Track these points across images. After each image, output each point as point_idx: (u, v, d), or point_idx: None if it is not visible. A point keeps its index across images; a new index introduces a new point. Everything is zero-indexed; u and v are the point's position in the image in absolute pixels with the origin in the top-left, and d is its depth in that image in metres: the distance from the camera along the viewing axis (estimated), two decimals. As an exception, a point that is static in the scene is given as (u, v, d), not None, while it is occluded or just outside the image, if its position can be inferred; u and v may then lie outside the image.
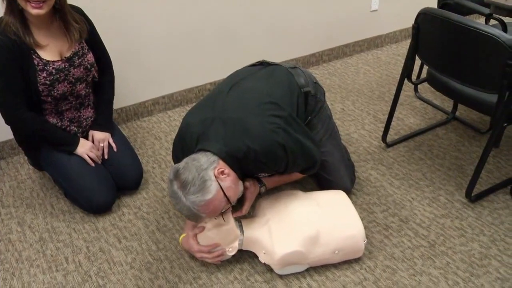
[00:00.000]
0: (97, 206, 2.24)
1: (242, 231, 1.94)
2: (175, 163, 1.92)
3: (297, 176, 2.13)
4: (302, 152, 1.92)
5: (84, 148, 2.25)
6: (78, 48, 2.18)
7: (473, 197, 2.31)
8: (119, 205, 2.34)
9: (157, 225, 2.23)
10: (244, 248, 1.97)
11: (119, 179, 2.33)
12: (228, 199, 1.78)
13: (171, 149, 2.12)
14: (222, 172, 1.76)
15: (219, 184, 1.74)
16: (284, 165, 1.90)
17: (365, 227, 2.16)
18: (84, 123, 2.32)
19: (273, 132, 1.83)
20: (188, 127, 1.91)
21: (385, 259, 2.03)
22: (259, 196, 2.13)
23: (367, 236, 2.12)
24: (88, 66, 2.21)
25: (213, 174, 1.73)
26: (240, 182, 1.87)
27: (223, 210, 1.81)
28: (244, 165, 1.84)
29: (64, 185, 2.27)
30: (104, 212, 2.29)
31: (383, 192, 2.38)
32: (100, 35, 2.31)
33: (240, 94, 1.96)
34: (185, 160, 1.77)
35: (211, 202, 1.72)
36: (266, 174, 1.99)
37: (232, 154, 1.80)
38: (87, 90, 2.27)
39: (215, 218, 1.91)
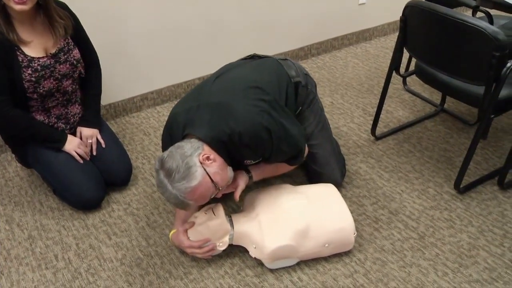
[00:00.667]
0: (86, 202, 2.23)
1: (232, 225, 1.94)
2: None
3: (284, 168, 2.12)
4: (286, 136, 1.90)
5: (72, 144, 2.24)
6: (64, 44, 2.16)
7: (462, 189, 2.32)
8: (108, 201, 2.33)
9: (147, 221, 2.22)
10: (234, 243, 1.97)
11: (108, 175, 2.32)
12: (215, 185, 1.77)
13: (161, 144, 2.12)
14: (208, 158, 1.75)
15: (204, 170, 1.73)
16: (269, 149, 1.88)
17: (355, 220, 2.17)
18: (72, 120, 2.31)
19: (258, 114, 1.82)
20: (175, 117, 1.91)
21: (375, 251, 2.04)
22: (247, 189, 2.12)
23: (357, 229, 2.13)
24: (74, 62, 2.20)
25: (198, 160, 1.72)
26: (229, 168, 1.86)
27: (212, 196, 1.80)
28: (231, 150, 1.83)
29: (52, 182, 2.26)
30: (93, 208, 2.28)
31: (372, 185, 2.39)
32: (86, 31, 2.29)
33: (225, 82, 1.96)
34: (169, 149, 1.77)
35: (198, 189, 1.71)
36: (252, 161, 1.98)
37: (217, 138, 1.79)
38: (73, 86, 2.26)
39: (205, 213, 1.91)
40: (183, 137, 1.84)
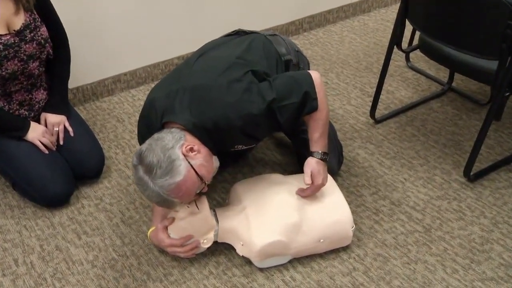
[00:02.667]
0: (52, 198, 2.21)
1: (216, 220, 1.94)
2: None
3: (321, 114, 1.95)
4: (287, 86, 1.86)
5: (35, 133, 2.22)
6: (30, 20, 2.13)
7: (472, 176, 2.33)
8: (77, 196, 2.32)
9: (122, 217, 2.22)
10: (219, 240, 1.97)
11: (77, 167, 2.30)
12: (201, 179, 1.76)
13: (136, 132, 2.10)
14: (191, 149, 1.74)
15: (189, 163, 1.72)
16: (269, 117, 1.84)
17: (353, 212, 2.17)
18: (36, 106, 2.29)
19: (245, 89, 1.81)
20: (152, 103, 1.89)
21: (376, 246, 2.05)
22: (233, 179, 2.10)
23: (355, 222, 2.13)
24: (42, 41, 2.17)
25: (181, 153, 1.72)
26: (215, 157, 1.85)
27: (198, 191, 1.80)
28: (216, 136, 1.82)
29: (12, 175, 2.24)
30: (60, 205, 2.26)
31: (372, 173, 2.39)
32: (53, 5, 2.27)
33: (207, 62, 1.95)
34: (147, 141, 1.76)
35: (183, 184, 1.71)
36: (244, 147, 1.97)
37: (200, 125, 1.78)
38: (40, 69, 2.23)
39: (188, 206, 1.91)
40: (162, 126, 1.83)
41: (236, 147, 1.96)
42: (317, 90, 1.89)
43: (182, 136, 1.75)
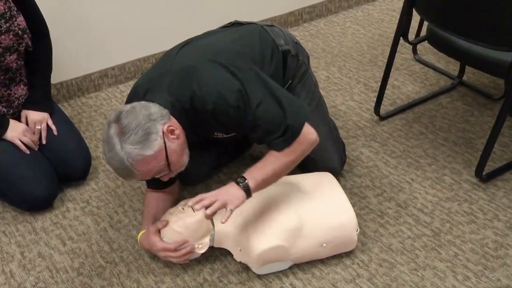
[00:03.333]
0: (34, 201, 2.21)
1: (212, 224, 1.94)
2: None
3: (282, 157, 1.90)
4: (268, 95, 1.84)
5: (15, 131, 2.21)
6: (5, 9, 2.12)
7: (485, 176, 2.33)
8: (62, 199, 2.31)
9: (110, 221, 2.21)
10: (215, 245, 1.96)
11: (61, 168, 2.30)
12: (168, 165, 1.78)
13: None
14: (172, 131, 1.78)
15: (164, 143, 1.74)
16: (238, 119, 1.83)
17: (357, 215, 2.16)
18: (16, 103, 2.28)
19: (227, 76, 1.82)
20: (136, 90, 1.94)
21: (381, 251, 2.04)
22: (229, 180, 2.09)
23: (359, 225, 2.13)
24: (19, 32, 2.16)
25: (161, 129, 1.74)
26: (187, 153, 1.88)
27: (158, 176, 1.82)
28: (194, 120, 1.85)
29: (-10, 177, 2.23)
30: (43, 208, 2.26)
31: (377, 173, 2.39)
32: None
33: (194, 48, 1.98)
34: (133, 103, 1.78)
35: (150, 160, 1.73)
36: (224, 135, 1.97)
37: (179, 105, 1.81)
38: (19, 62, 2.22)
39: (183, 208, 1.91)
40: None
41: (216, 134, 1.97)
42: (302, 139, 1.85)
43: (167, 115, 1.79)
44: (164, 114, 1.77)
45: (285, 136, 1.84)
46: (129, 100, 1.94)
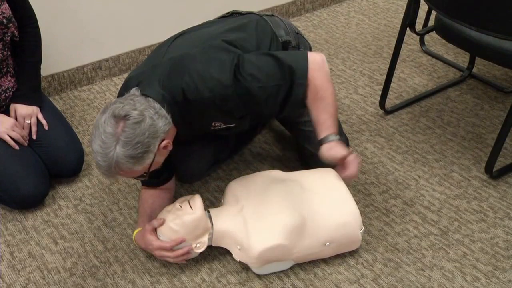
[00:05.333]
0: (24, 199, 2.21)
1: (211, 222, 1.94)
2: None
3: (321, 91, 1.92)
4: (266, 62, 1.87)
5: (3, 126, 2.21)
6: (-13, -3, 2.12)
7: (495, 173, 2.33)
8: (53, 196, 2.32)
9: (104, 219, 2.22)
10: (214, 244, 1.97)
11: (53, 164, 2.30)
12: (146, 172, 1.82)
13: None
14: (165, 147, 1.81)
15: (154, 157, 1.77)
16: (241, 98, 1.86)
17: (361, 213, 2.17)
18: (3, 96, 2.28)
19: (219, 57, 1.85)
20: (128, 82, 1.94)
21: (387, 251, 2.05)
22: (228, 177, 2.11)
23: (363, 224, 2.13)
24: (4, 20, 2.15)
25: (157, 146, 1.76)
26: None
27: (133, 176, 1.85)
28: (188, 113, 1.86)
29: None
30: (33, 206, 2.26)
31: (382, 170, 2.39)
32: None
33: (187, 39, 2.00)
34: (145, 110, 1.74)
35: (134, 172, 1.77)
36: (222, 125, 1.98)
37: (171, 99, 1.82)
38: (5, 52, 2.22)
39: (180, 206, 1.92)
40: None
41: (213, 124, 1.96)
42: (313, 72, 1.87)
43: (169, 124, 1.79)
44: (166, 130, 1.78)
45: (295, 81, 1.87)
46: (121, 93, 1.94)
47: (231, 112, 1.91)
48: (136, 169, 1.74)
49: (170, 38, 2.05)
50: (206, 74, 1.81)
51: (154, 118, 1.75)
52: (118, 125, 1.70)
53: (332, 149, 1.90)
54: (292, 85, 1.87)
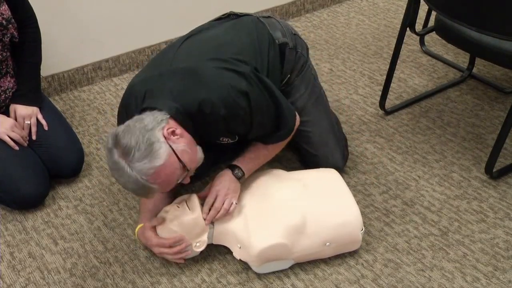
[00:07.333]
0: (24, 199, 2.21)
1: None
2: None
3: (273, 150, 2.12)
4: (270, 103, 1.94)
5: (3, 127, 2.20)
6: (-14, -2, 2.12)
7: (495, 173, 2.33)
8: (53, 197, 2.32)
9: (104, 220, 2.21)
10: (214, 243, 1.97)
11: (53, 164, 2.30)
12: (184, 165, 1.76)
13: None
14: (173, 132, 1.75)
15: (170, 146, 1.72)
16: (248, 122, 1.89)
17: (361, 213, 2.16)
18: (3, 96, 2.27)
19: (234, 79, 1.84)
20: (132, 89, 1.91)
21: (387, 251, 2.05)
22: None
23: (364, 224, 2.13)
24: (3, 22, 2.15)
25: (161, 135, 1.72)
26: (199, 148, 1.86)
27: (179, 181, 1.80)
28: (200, 125, 1.84)
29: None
30: (33, 207, 2.26)
31: (382, 170, 2.39)
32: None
33: (193, 45, 1.99)
34: (126, 122, 1.75)
35: (163, 169, 1.70)
36: (229, 140, 1.98)
37: (184, 111, 1.80)
38: (4, 53, 2.22)
39: (178, 206, 1.91)
40: (142, 112, 1.83)
41: (221, 139, 1.97)
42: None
43: (164, 118, 1.76)
44: (160, 120, 1.75)
45: (281, 132, 2.04)
46: (126, 101, 1.93)
47: (238, 132, 1.95)
48: (160, 166, 1.69)
49: (175, 44, 2.04)
50: (224, 93, 1.81)
51: (139, 119, 1.75)
52: (115, 150, 1.70)
53: (218, 178, 2.01)
54: (278, 131, 2.04)
